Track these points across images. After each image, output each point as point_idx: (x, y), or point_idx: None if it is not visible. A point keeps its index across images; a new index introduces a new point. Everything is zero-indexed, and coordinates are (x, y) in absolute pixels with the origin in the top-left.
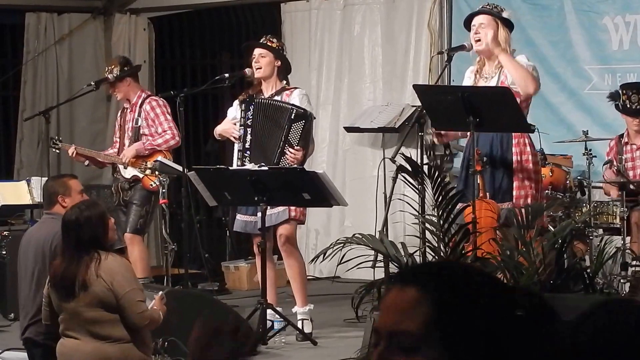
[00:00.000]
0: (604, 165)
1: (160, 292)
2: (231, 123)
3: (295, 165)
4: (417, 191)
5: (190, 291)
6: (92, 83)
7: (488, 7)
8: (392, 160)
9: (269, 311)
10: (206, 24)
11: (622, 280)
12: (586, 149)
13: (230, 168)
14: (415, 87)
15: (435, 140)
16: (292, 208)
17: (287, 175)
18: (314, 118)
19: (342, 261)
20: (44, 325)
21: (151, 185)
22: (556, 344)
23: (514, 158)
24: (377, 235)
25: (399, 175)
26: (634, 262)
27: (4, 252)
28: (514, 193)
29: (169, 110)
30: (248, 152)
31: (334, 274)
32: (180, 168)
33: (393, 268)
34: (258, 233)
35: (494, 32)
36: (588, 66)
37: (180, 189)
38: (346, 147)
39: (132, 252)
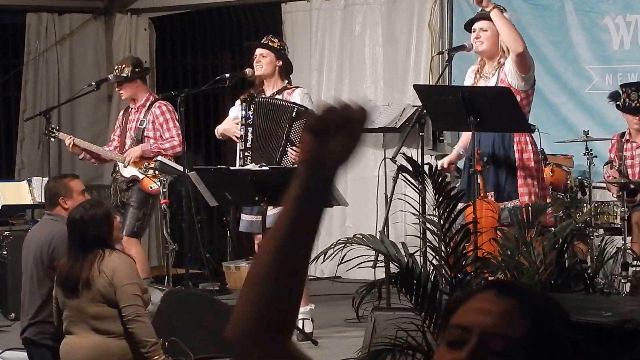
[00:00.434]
0: (604, 165)
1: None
2: (233, 122)
3: (297, 165)
4: (418, 191)
5: (191, 291)
6: (93, 83)
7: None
8: (393, 160)
9: None
10: (207, 24)
11: (623, 281)
12: (587, 149)
13: (231, 168)
14: (416, 87)
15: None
16: None
17: (288, 175)
18: None
19: (342, 261)
20: (42, 325)
21: (150, 187)
22: None
23: (516, 156)
24: (378, 236)
25: (399, 175)
26: (634, 262)
27: (5, 252)
28: (519, 191)
29: (177, 117)
30: (249, 151)
31: (335, 274)
32: (181, 168)
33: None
34: (262, 232)
35: (495, 35)
36: (589, 66)
37: (181, 189)
38: None
39: (129, 254)
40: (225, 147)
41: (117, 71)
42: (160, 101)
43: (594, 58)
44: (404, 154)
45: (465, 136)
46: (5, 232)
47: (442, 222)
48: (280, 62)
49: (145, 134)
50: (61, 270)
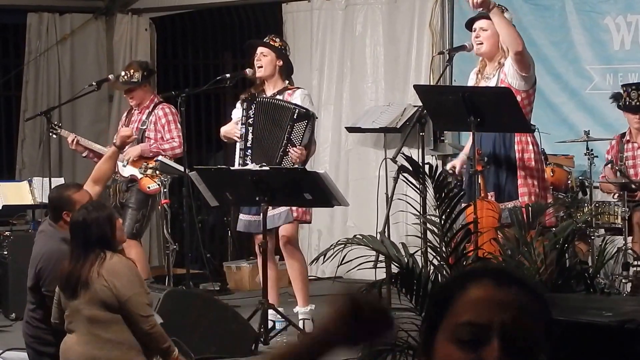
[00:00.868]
0: (605, 166)
1: None
2: (234, 124)
3: (297, 165)
4: (418, 191)
5: (192, 291)
6: (94, 83)
7: None
8: (393, 160)
9: (270, 311)
10: (208, 24)
11: (623, 281)
12: (588, 149)
13: (232, 168)
14: (416, 87)
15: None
16: (294, 209)
17: (288, 175)
18: (317, 118)
19: (343, 261)
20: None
21: (148, 188)
22: None
23: (517, 156)
24: (378, 236)
25: (400, 175)
26: (635, 262)
27: (6, 253)
28: (519, 191)
29: (180, 120)
30: (249, 150)
31: (335, 274)
32: (181, 168)
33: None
34: (260, 232)
35: (495, 35)
36: (589, 66)
37: (182, 189)
38: (349, 147)
39: (128, 255)
40: (226, 147)
41: (126, 77)
42: (164, 103)
43: (594, 58)
44: (404, 154)
45: (471, 140)
46: (6, 232)
47: (442, 222)
48: (281, 62)
49: (145, 135)
50: (63, 271)
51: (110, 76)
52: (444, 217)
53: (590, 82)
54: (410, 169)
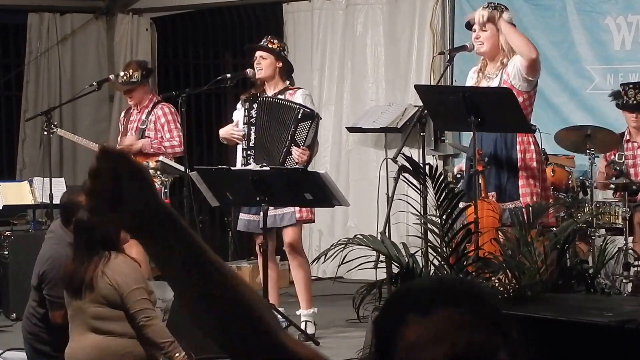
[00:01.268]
0: (605, 166)
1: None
2: (230, 127)
3: (299, 166)
4: (419, 191)
5: None
6: (94, 83)
7: (490, 8)
8: (394, 160)
9: None
10: (208, 24)
11: (624, 281)
12: (588, 149)
13: (232, 168)
14: (417, 87)
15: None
16: (298, 209)
17: (289, 176)
18: (321, 118)
19: (344, 262)
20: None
21: None
22: None
23: (518, 156)
24: (379, 236)
25: (400, 175)
26: (636, 263)
27: (6, 253)
28: (520, 192)
29: (179, 119)
30: (252, 150)
31: (336, 274)
32: (182, 168)
33: (395, 268)
34: (260, 232)
35: (495, 36)
36: (590, 66)
37: (182, 189)
38: (349, 147)
39: (129, 254)
40: (227, 147)
41: (125, 77)
42: (163, 103)
43: (595, 58)
44: (404, 154)
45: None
46: (7, 233)
47: (443, 222)
48: (280, 64)
49: (145, 134)
50: (66, 271)
51: (111, 76)
52: (444, 217)
53: (591, 82)
54: (411, 169)
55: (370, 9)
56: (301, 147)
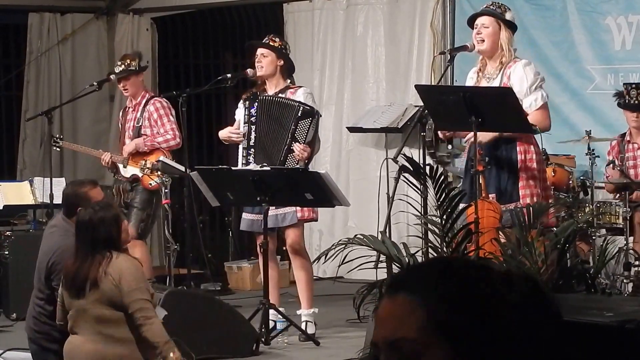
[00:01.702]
0: (606, 166)
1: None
2: (229, 129)
3: (301, 164)
4: (419, 192)
5: (193, 291)
6: (95, 83)
7: (492, 7)
8: (394, 160)
9: (271, 311)
10: (209, 24)
11: (625, 280)
12: (589, 149)
13: (233, 168)
14: (417, 87)
15: (440, 135)
16: (299, 209)
17: (289, 176)
18: (321, 116)
19: (344, 262)
20: (38, 324)
21: (150, 184)
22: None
23: (519, 157)
24: (379, 236)
25: (401, 175)
26: (636, 263)
27: (7, 253)
28: (520, 193)
29: (173, 112)
30: (252, 149)
31: (336, 274)
32: (182, 168)
33: (395, 268)
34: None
35: (496, 33)
36: (591, 66)
37: (183, 189)
38: (350, 147)
39: (133, 255)
40: (228, 147)
41: (124, 66)
42: (155, 98)
43: (595, 58)
44: (404, 154)
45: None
46: (7, 232)
47: (443, 222)
48: (282, 62)
49: (142, 132)
50: (68, 270)
51: (112, 76)
52: (444, 217)
53: (591, 82)
54: (411, 169)
55: (371, 9)
56: (302, 143)
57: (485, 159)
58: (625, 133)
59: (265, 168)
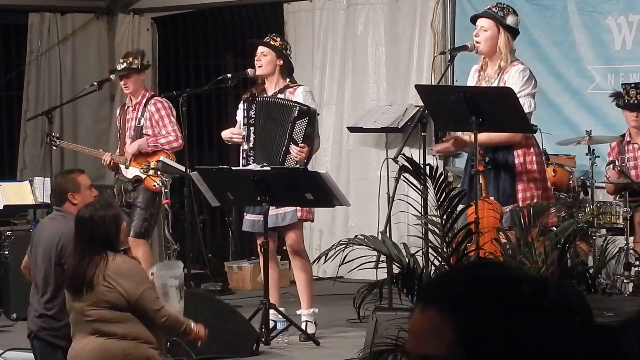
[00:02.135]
0: (607, 166)
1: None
2: (231, 131)
3: (300, 164)
4: (419, 192)
5: (193, 291)
6: (95, 83)
7: (495, 9)
8: (395, 160)
9: (271, 311)
10: (209, 24)
11: (625, 280)
12: (589, 149)
13: (233, 168)
14: (418, 87)
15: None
16: (299, 208)
17: (289, 176)
18: (318, 114)
19: (344, 262)
20: (47, 321)
21: (154, 185)
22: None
23: (517, 160)
24: (380, 236)
25: (401, 175)
26: (637, 263)
27: (7, 252)
28: (519, 196)
29: (174, 113)
30: (252, 151)
31: (337, 274)
32: (183, 168)
33: (395, 269)
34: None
35: (494, 37)
36: (591, 66)
37: (183, 189)
38: (350, 147)
39: (135, 255)
40: (228, 147)
41: (125, 64)
42: (156, 97)
43: (596, 58)
44: (404, 154)
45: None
46: (7, 232)
47: (443, 222)
48: (281, 61)
49: (143, 132)
50: (68, 270)
51: (112, 76)
52: (445, 217)
53: (592, 82)
54: (411, 169)
55: (371, 8)
56: (299, 144)
57: (486, 159)
58: (624, 134)
59: (265, 168)
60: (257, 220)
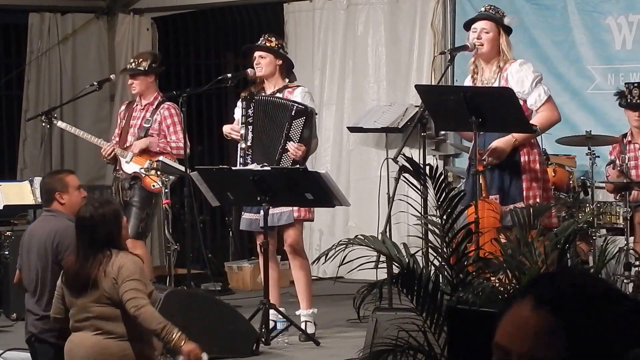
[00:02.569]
0: (607, 165)
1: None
2: (231, 127)
3: (297, 161)
4: (419, 192)
5: (193, 291)
6: (95, 83)
7: (491, 11)
8: (395, 160)
9: (271, 311)
10: (209, 24)
11: (625, 281)
12: (589, 149)
13: (233, 168)
14: (418, 87)
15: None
16: (296, 209)
17: (290, 175)
18: (316, 114)
19: (344, 262)
20: (48, 322)
21: (153, 186)
22: None
23: (522, 159)
24: (380, 236)
25: (401, 175)
26: (637, 263)
27: (7, 253)
28: (524, 194)
29: (182, 120)
30: (250, 150)
31: (337, 274)
32: (182, 168)
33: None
34: (262, 231)
35: (496, 38)
36: (591, 66)
37: (183, 189)
38: (350, 147)
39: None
40: (228, 147)
41: (134, 64)
42: (168, 102)
43: (596, 58)
44: (404, 154)
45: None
46: (7, 232)
47: (443, 222)
48: (280, 61)
49: (149, 133)
50: (69, 268)
51: (112, 76)
52: (444, 217)
53: (592, 82)
54: (411, 169)
55: (372, 8)
56: (296, 143)
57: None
58: (626, 133)
59: (265, 168)
60: (254, 218)
